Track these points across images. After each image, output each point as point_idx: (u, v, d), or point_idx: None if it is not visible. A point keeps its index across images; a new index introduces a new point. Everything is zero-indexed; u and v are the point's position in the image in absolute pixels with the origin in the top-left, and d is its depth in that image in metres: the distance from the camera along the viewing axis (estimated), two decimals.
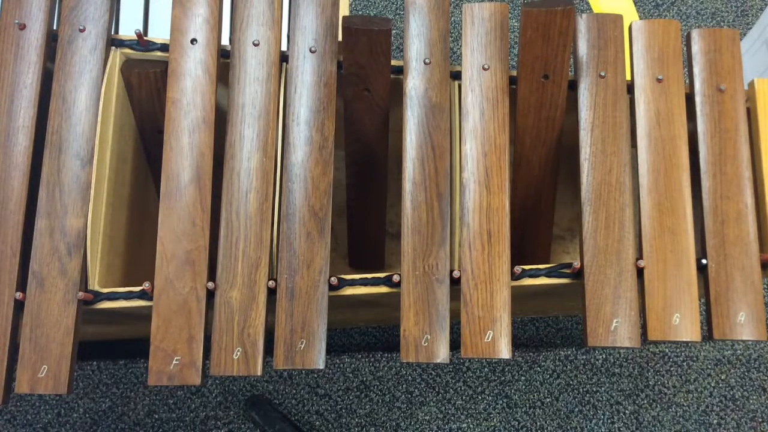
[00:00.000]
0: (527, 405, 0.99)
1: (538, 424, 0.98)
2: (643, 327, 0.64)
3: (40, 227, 0.63)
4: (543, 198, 0.81)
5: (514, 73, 0.70)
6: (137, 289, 0.63)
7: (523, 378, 1.00)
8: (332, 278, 0.63)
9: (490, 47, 0.70)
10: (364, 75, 0.69)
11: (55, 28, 0.69)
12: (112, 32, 0.69)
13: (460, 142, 0.67)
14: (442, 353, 0.62)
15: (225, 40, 0.71)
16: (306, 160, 0.66)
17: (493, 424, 0.98)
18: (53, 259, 0.62)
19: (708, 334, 0.65)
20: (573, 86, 0.70)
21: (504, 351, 0.62)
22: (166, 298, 0.62)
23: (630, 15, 1.27)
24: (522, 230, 0.84)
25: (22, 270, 0.63)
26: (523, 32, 0.66)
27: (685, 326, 0.63)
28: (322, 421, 0.97)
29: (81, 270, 0.62)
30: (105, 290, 0.64)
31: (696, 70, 0.71)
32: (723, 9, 1.28)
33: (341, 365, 0.99)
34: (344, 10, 0.85)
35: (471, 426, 0.98)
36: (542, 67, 0.68)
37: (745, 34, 1.22)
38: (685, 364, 1.02)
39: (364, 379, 0.99)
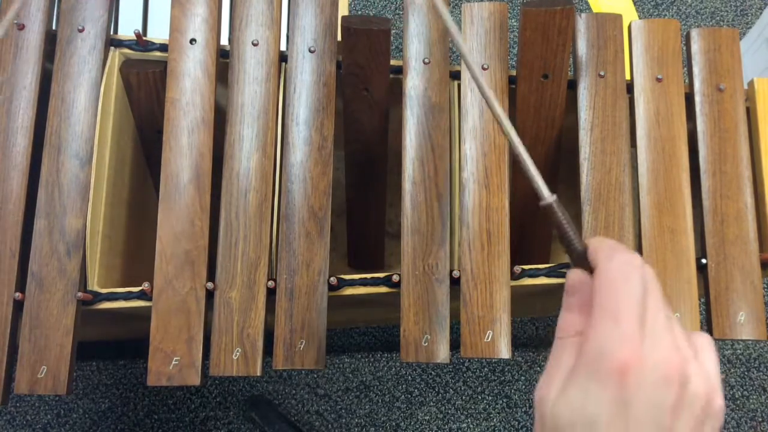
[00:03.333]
0: (527, 405, 0.99)
1: None
2: None
3: (39, 227, 0.63)
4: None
5: (514, 72, 0.70)
6: (136, 289, 0.63)
7: (523, 378, 1.00)
8: (332, 278, 0.63)
9: (490, 47, 0.69)
10: (363, 75, 0.69)
11: (54, 28, 0.69)
12: (111, 32, 0.69)
13: (460, 141, 0.67)
14: (442, 353, 0.62)
15: (224, 40, 0.70)
16: (305, 160, 0.66)
17: (493, 424, 0.98)
18: (52, 259, 0.62)
19: (708, 334, 0.65)
20: (572, 86, 0.70)
21: (504, 351, 0.62)
22: (166, 299, 0.62)
23: (629, 14, 1.27)
24: (522, 230, 0.83)
25: (21, 270, 0.62)
26: (522, 32, 0.66)
27: (684, 326, 0.63)
28: (322, 421, 0.97)
29: (80, 270, 0.62)
30: (104, 290, 0.63)
31: (695, 69, 0.71)
32: (722, 8, 1.28)
33: (341, 365, 0.99)
34: (343, 9, 0.85)
35: (471, 426, 0.98)
36: (541, 67, 0.68)
37: (744, 34, 1.22)
38: None
39: (364, 379, 0.99)
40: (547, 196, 0.39)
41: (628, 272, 0.35)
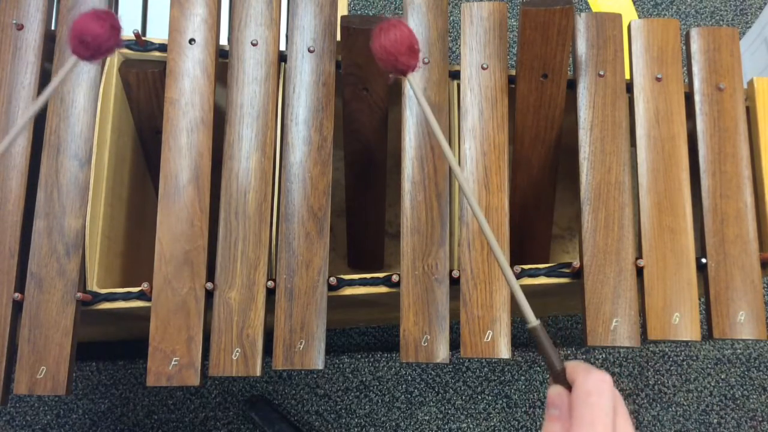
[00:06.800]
0: (527, 405, 0.99)
1: (538, 424, 0.98)
2: (643, 326, 0.64)
3: (38, 228, 0.63)
4: (542, 197, 0.81)
5: (513, 72, 0.70)
6: (136, 289, 0.63)
7: (523, 378, 1.00)
8: (331, 278, 0.63)
9: (489, 46, 0.69)
10: (362, 74, 0.69)
11: (52, 28, 0.69)
12: None
13: (459, 141, 0.67)
14: (441, 353, 0.62)
15: (223, 40, 0.70)
16: (305, 160, 0.66)
17: (492, 424, 0.98)
18: (52, 259, 0.62)
19: (708, 334, 0.65)
20: (572, 85, 0.70)
21: (503, 351, 0.62)
22: (165, 299, 0.62)
23: (629, 14, 1.27)
24: (521, 230, 0.83)
25: (20, 271, 0.62)
26: (521, 31, 0.66)
27: (684, 325, 0.63)
28: (322, 421, 0.97)
29: (79, 271, 0.62)
30: (103, 291, 0.63)
31: (695, 68, 0.71)
32: (722, 8, 1.28)
33: (341, 365, 0.99)
34: (343, 9, 0.85)
35: (471, 426, 0.98)
36: (541, 67, 0.68)
37: (744, 33, 1.22)
38: (685, 363, 1.01)
39: (364, 379, 0.99)
40: (533, 320, 0.45)
41: (602, 388, 0.41)
